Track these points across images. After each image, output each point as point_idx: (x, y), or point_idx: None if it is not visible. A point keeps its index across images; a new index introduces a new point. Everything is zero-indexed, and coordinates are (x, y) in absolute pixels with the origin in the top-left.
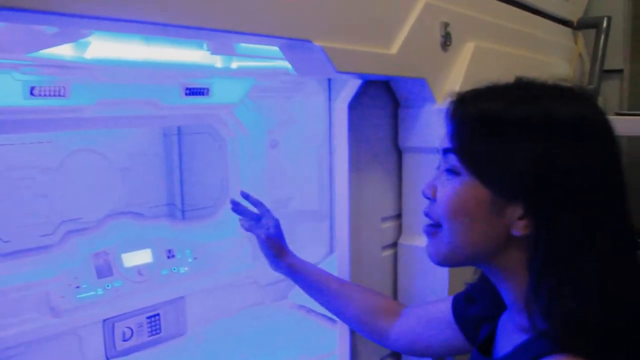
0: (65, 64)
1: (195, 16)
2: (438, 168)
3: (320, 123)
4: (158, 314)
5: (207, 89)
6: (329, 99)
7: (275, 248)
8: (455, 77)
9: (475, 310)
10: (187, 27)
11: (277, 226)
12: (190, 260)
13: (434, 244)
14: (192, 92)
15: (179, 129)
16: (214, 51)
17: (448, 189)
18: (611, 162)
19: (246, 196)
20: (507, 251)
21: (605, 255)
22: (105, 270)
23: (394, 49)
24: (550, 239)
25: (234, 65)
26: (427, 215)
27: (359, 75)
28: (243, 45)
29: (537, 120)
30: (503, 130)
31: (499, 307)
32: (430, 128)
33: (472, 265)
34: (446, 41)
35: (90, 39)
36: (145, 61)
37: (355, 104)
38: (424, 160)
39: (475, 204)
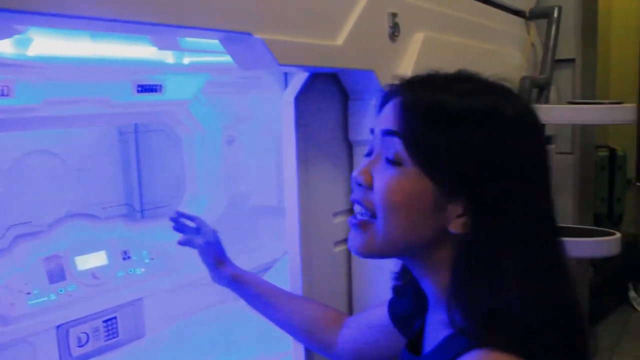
0: (6, 62)
1: (131, 10)
2: (369, 154)
3: (277, 118)
4: (115, 318)
5: (160, 86)
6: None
7: (215, 257)
8: (405, 68)
9: (405, 306)
10: (123, 22)
11: (215, 236)
12: (146, 261)
13: (363, 236)
14: (145, 89)
15: (135, 126)
16: (159, 46)
17: (389, 178)
18: (545, 161)
19: (180, 215)
20: (437, 247)
21: (533, 253)
22: (57, 274)
23: (340, 40)
24: (485, 238)
25: (186, 60)
26: (358, 203)
27: (304, 68)
28: (187, 39)
29: (485, 114)
30: (453, 121)
31: (425, 301)
32: None
33: (396, 258)
34: (394, 32)
35: (32, 35)
36: (93, 58)
37: (302, 98)
38: None
39: (417, 197)
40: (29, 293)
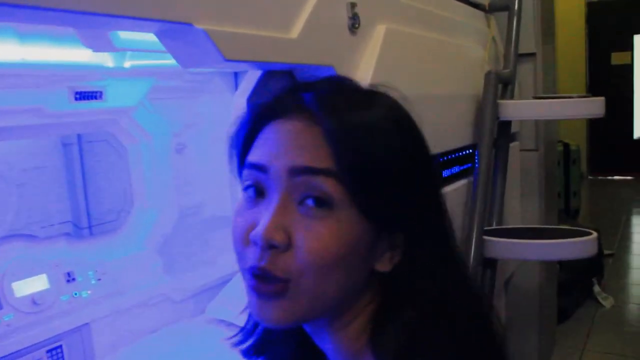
0: None
1: None
2: (254, 197)
3: (228, 122)
4: (60, 346)
5: (100, 92)
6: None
7: None
8: (367, 63)
9: None
10: (42, 9)
11: None
12: (93, 282)
13: (281, 304)
14: (83, 96)
15: (78, 137)
16: (90, 45)
17: (320, 232)
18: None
19: None
20: (363, 293)
21: (451, 274)
22: None
23: (294, 33)
24: (411, 268)
25: (127, 64)
26: (265, 270)
27: (256, 65)
28: (122, 37)
29: (410, 129)
30: (393, 146)
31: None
32: None
33: (319, 318)
34: (354, 23)
35: None
36: (23, 63)
37: (255, 98)
38: None
39: (355, 244)
40: None
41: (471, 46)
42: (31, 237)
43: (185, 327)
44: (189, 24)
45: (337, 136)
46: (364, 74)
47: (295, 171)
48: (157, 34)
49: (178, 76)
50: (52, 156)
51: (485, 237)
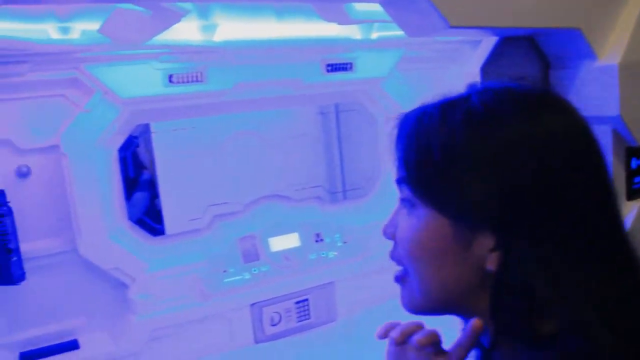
0: (197, 50)
1: None
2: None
3: None
4: (307, 299)
5: (351, 64)
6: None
7: None
8: (623, 27)
9: None
10: None
11: None
12: (339, 244)
13: (404, 291)
14: (335, 67)
15: (335, 106)
16: (326, 17)
17: (405, 227)
18: (593, 174)
19: None
20: (483, 292)
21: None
22: (251, 254)
23: None
24: (524, 271)
25: (374, 35)
26: (392, 259)
27: (491, 31)
28: (356, 8)
29: (497, 148)
30: (456, 155)
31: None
32: (591, 91)
33: (449, 313)
34: None
35: (217, 21)
36: (280, 39)
37: (489, 68)
38: None
39: (436, 239)
40: (225, 271)
41: None
42: (286, 198)
43: None
44: None
45: (401, 149)
46: (618, 40)
47: (395, 182)
48: (382, 4)
49: (427, 46)
50: (310, 124)
51: None
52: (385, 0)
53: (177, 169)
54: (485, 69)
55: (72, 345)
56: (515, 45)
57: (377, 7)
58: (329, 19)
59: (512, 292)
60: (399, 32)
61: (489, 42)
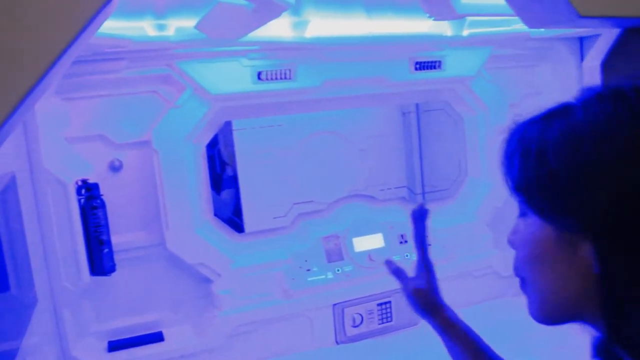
0: (287, 46)
1: None
2: None
3: (571, 93)
4: (389, 302)
5: (439, 62)
6: (581, 63)
7: (425, 303)
8: None
9: None
10: None
11: (432, 280)
12: None
13: (527, 301)
14: (423, 66)
15: (417, 106)
16: (431, 12)
17: (520, 235)
18: None
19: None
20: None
21: None
22: (335, 254)
23: None
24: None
25: (466, 32)
26: (513, 269)
27: (615, 21)
28: (463, 1)
29: (610, 159)
30: (570, 166)
31: None
32: None
33: (571, 321)
34: None
35: (308, 17)
36: (370, 36)
37: (611, 62)
38: None
39: (542, 246)
40: (308, 270)
41: None
42: (371, 198)
43: (509, 304)
44: None
45: (509, 157)
46: None
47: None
48: None
49: (517, 44)
50: (392, 125)
51: None
52: None
53: (259, 166)
54: (606, 64)
55: (158, 337)
56: (639, 37)
57: (485, 1)
58: (433, 13)
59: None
60: (491, 29)
61: (608, 35)
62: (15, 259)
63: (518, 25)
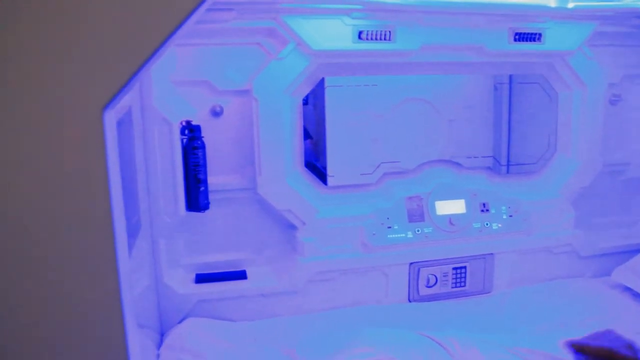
0: (390, 8)
1: None
2: None
3: None
4: (465, 267)
5: (539, 34)
6: None
7: None
8: None
9: None
10: None
11: None
12: (504, 217)
13: None
14: (522, 37)
15: (510, 78)
16: None
17: None
18: None
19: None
20: None
21: None
22: (417, 214)
23: None
24: None
25: (571, 4)
26: None
27: None
28: None
29: None
30: None
31: None
32: None
33: None
34: None
35: None
36: (471, 2)
37: None
38: None
39: None
40: (389, 227)
41: None
42: (456, 164)
43: (585, 285)
44: None
45: None
46: None
47: None
48: None
49: (623, 21)
50: (482, 96)
51: None
52: None
53: (348, 125)
54: None
55: (242, 275)
56: None
57: None
58: None
59: None
60: (597, 3)
61: None
62: (125, 184)
63: (627, 0)
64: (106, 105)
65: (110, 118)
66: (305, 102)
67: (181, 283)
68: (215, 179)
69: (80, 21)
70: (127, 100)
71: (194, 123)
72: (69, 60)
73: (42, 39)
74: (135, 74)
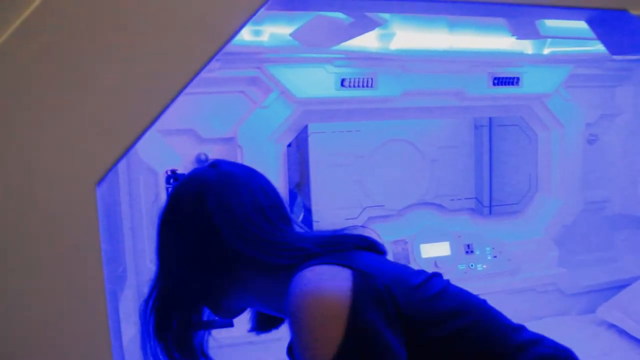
0: (372, 56)
1: None
2: None
3: None
4: None
5: (517, 78)
6: None
7: None
8: None
9: None
10: (480, 3)
11: None
12: (489, 257)
13: None
14: (501, 81)
15: (490, 120)
16: (516, 34)
17: None
18: None
19: None
20: None
21: None
22: (402, 258)
23: None
24: None
25: (546, 51)
26: None
27: None
28: (548, 24)
29: None
30: None
31: None
32: None
33: None
34: None
35: (395, 30)
36: (450, 50)
37: None
38: None
39: None
40: None
41: None
42: (440, 207)
43: (570, 322)
44: (624, 11)
45: None
46: None
47: None
48: (588, 22)
49: (598, 64)
50: (463, 137)
51: None
52: (592, 18)
53: (332, 169)
54: None
55: (228, 322)
56: None
57: (568, 24)
58: (518, 34)
59: None
60: (572, 48)
61: None
62: (112, 235)
63: (600, 46)
64: (99, 182)
65: (102, 193)
66: (289, 144)
67: None
68: None
69: (76, 101)
70: None
71: (179, 172)
72: (61, 138)
73: (37, 113)
74: (129, 148)
